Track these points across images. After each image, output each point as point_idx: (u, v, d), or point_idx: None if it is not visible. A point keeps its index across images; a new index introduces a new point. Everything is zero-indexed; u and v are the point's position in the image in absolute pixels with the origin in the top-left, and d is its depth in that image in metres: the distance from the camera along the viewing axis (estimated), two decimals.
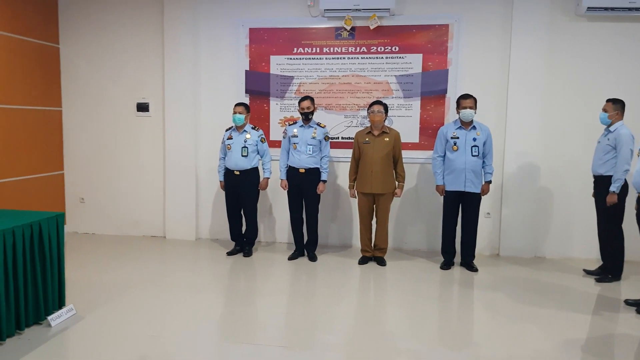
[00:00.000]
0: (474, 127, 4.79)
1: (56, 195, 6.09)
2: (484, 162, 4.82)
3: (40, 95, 5.73)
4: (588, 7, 5.02)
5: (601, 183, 4.54)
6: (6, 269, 3.12)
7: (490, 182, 4.88)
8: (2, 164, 5.19)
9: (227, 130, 5.29)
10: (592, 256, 5.24)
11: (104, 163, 6.12)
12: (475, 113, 4.76)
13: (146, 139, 6.01)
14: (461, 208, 4.95)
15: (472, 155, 4.74)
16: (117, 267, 4.88)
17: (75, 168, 6.18)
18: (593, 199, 4.69)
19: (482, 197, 4.89)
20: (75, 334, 3.36)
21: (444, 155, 4.89)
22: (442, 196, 4.98)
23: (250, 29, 5.68)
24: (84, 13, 5.95)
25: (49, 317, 3.43)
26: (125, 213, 6.14)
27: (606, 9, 5.03)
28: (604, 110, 4.53)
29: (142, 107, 5.97)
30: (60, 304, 3.63)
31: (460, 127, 4.81)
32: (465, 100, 4.73)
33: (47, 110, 5.87)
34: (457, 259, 5.08)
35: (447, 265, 4.98)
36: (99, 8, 5.92)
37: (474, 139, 4.76)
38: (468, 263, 4.97)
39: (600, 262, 4.79)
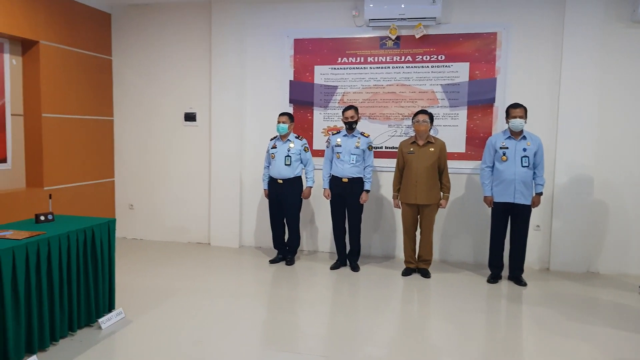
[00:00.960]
0: (524, 137, 4.65)
1: (107, 202, 6.31)
2: (534, 173, 4.67)
3: (93, 105, 5.97)
4: None
5: None
6: (61, 272, 3.25)
7: (541, 193, 4.71)
8: (59, 171, 5.43)
9: (271, 139, 5.36)
10: None
11: (152, 171, 6.31)
12: (525, 123, 4.62)
13: (193, 148, 6.16)
14: (510, 220, 4.81)
15: (522, 166, 4.60)
16: (163, 272, 5.00)
17: (125, 175, 6.39)
18: None
19: (532, 209, 4.74)
20: (124, 337, 3.45)
21: (493, 166, 4.77)
22: (490, 207, 4.85)
23: (295, 39, 5.75)
24: (135, 26, 6.18)
25: (100, 320, 3.55)
26: (172, 220, 6.29)
27: None
28: None
29: (190, 117, 6.12)
30: (110, 307, 3.74)
31: (509, 137, 4.69)
32: (515, 110, 4.61)
33: (99, 120, 6.10)
34: (505, 272, 4.93)
35: (494, 278, 4.85)
36: (149, 21, 6.14)
37: (524, 149, 4.62)
38: (516, 277, 4.81)
39: None
